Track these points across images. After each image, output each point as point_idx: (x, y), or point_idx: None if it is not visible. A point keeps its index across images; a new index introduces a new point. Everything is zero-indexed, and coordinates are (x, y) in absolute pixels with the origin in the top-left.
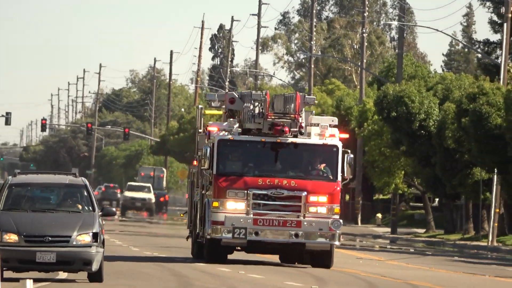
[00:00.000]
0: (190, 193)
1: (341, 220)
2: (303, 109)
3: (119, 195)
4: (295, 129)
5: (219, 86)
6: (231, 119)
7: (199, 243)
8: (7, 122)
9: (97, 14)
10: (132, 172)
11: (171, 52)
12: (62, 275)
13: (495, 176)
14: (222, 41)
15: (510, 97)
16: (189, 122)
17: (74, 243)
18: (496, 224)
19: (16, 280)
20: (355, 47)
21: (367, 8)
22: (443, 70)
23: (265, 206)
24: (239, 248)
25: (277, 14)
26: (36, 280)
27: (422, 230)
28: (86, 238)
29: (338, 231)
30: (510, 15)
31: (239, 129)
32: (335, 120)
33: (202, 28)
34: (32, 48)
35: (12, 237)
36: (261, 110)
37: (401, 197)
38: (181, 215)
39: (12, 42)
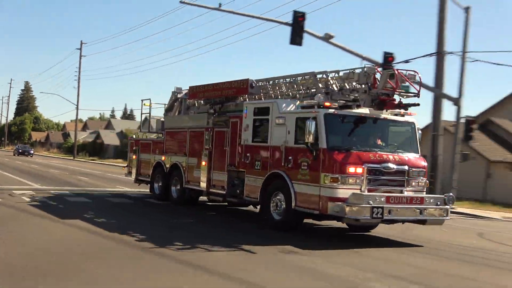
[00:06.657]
0: (138, 156)
1: (452, 194)
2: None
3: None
4: (395, 105)
5: None
6: (319, 95)
7: (182, 189)
8: None
9: None
10: None
11: None
12: None
13: None
14: None
15: None
16: None
17: None
18: None
19: None
20: None
21: None
22: None
23: (375, 181)
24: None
25: None
26: None
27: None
28: None
29: (450, 206)
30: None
31: (335, 104)
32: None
33: None
34: None
35: None
36: (365, 85)
37: None
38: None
39: None
